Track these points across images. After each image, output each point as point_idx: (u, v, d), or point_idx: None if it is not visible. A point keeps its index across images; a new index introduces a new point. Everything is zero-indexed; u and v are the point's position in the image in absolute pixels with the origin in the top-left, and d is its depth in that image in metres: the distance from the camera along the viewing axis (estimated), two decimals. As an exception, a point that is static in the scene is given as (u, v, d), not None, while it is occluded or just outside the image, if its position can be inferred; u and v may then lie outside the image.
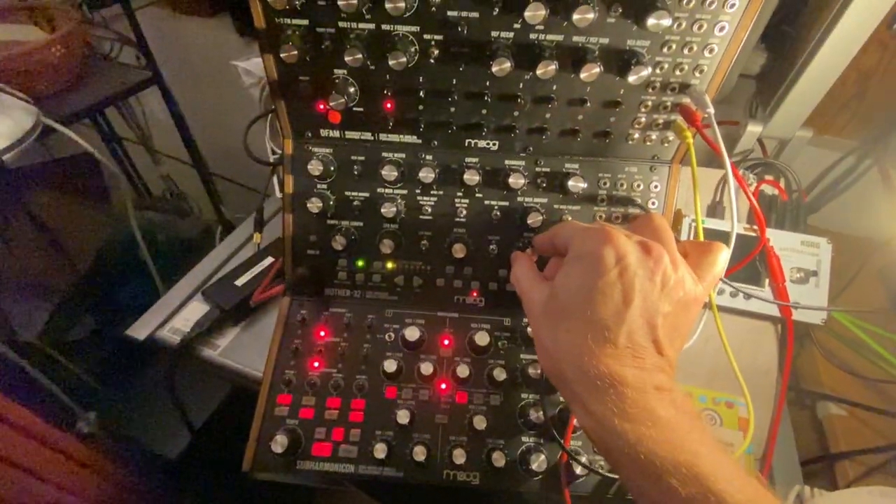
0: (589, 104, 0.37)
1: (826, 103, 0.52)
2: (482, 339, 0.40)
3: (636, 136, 0.39)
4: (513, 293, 0.43)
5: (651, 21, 0.31)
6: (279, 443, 0.36)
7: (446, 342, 0.42)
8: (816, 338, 0.55)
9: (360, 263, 0.43)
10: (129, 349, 0.53)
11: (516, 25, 0.33)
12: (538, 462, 0.36)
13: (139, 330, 0.53)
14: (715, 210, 0.48)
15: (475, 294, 0.43)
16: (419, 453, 0.36)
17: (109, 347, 0.79)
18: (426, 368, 0.39)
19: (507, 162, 0.40)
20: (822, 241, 0.45)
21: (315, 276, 0.42)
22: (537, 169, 0.40)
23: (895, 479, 0.47)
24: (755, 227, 0.46)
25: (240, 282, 0.53)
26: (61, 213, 0.86)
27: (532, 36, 0.34)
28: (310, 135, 0.41)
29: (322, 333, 0.42)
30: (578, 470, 0.36)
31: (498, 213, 0.41)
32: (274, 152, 0.62)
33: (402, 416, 0.37)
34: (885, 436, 0.51)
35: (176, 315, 0.54)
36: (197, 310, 0.54)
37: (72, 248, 0.87)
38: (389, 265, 0.43)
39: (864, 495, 0.39)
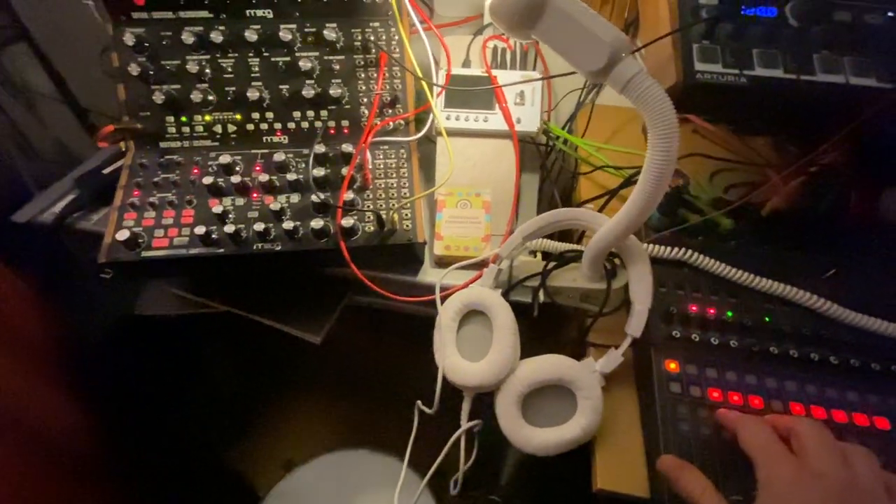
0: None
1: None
2: (279, 157, 0.54)
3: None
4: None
5: None
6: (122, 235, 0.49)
7: (258, 168, 0.55)
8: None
9: (183, 119, 0.55)
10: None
11: None
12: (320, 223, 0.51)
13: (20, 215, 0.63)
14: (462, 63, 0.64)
15: (279, 134, 0.57)
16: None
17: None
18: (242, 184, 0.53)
19: (281, 25, 0.54)
20: (534, 73, 0.63)
21: (149, 131, 0.55)
22: (305, 29, 0.55)
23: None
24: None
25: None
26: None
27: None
28: (124, 18, 0.53)
29: (159, 172, 0.54)
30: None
31: (283, 66, 0.55)
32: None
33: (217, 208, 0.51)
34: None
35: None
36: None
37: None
38: (207, 118, 0.56)
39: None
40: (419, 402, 0.52)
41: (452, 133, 0.62)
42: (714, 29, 0.46)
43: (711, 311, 0.48)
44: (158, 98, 0.53)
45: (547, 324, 0.59)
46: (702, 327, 0.47)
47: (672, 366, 0.45)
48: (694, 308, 0.48)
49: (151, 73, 0.54)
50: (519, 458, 0.93)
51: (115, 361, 0.74)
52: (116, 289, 0.69)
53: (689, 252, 0.50)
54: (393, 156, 0.57)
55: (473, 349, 0.48)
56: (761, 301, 0.49)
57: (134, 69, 0.52)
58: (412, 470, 0.53)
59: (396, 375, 0.56)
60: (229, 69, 0.54)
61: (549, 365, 0.46)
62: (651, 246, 0.51)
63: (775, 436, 0.36)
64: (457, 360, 0.47)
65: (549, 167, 0.72)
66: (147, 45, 0.53)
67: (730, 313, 0.48)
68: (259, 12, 0.54)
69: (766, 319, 0.47)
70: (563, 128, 0.78)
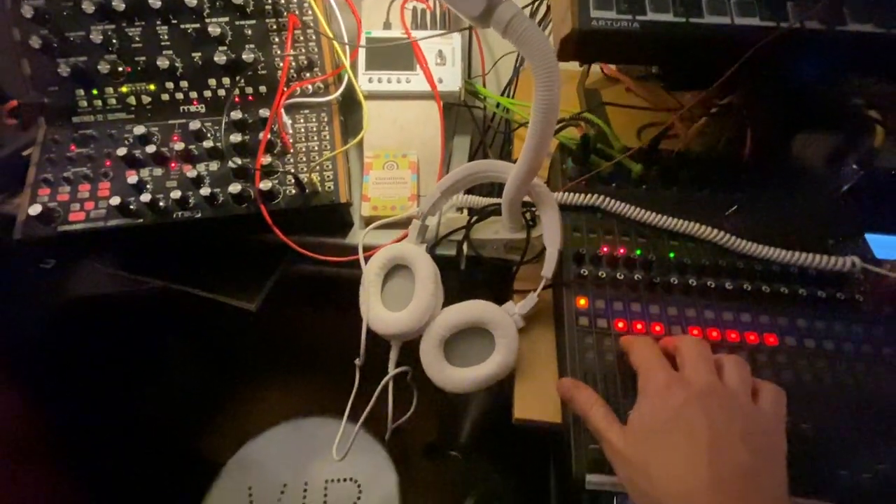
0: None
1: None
2: (195, 126, 0.54)
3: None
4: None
5: None
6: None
7: (175, 138, 0.55)
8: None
9: (94, 91, 0.55)
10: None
11: None
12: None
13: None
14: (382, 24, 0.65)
15: (196, 103, 0.57)
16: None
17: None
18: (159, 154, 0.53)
19: (186, -9, 0.54)
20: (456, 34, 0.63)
21: (59, 106, 0.54)
22: (213, -6, 0.54)
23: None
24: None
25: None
26: None
27: None
28: (22, -11, 0.51)
29: (73, 147, 0.54)
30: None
31: (193, 33, 0.55)
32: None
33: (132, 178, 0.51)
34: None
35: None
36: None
37: None
38: (122, 89, 0.55)
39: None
40: (357, 360, 0.53)
41: (376, 95, 0.62)
42: (610, -25, 0.47)
43: (622, 250, 0.50)
44: (64, 71, 0.52)
45: (480, 277, 0.61)
46: (610, 265, 0.50)
47: (581, 302, 0.47)
48: (605, 249, 0.50)
49: (55, 45, 0.52)
50: (478, 414, 0.97)
51: (57, 346, 0.74)
52: (52, 273, 0.68)
53: (601, 197, 0.53)
54: (314, 119, 0.57)
55: (398, 301, 0.50)
56: (667, 239, 0.52)
57: (35, 42, 0.51)
58: (364, 430, 0.55)
59: (344, 341, 0.57)
60: (137, 38, 0.54)
61: (469, 309, 0.48)
62: (567, 193, 0.54)
63: (659, 352, 0.39)
64: (380, 310, 0.49)
65: (482, 128, 0.73)
66: (47, 16, 0.52)
67: (638, 251, 0.50)
68: (162, -22, 0.53)
69: (671, 255, 0.50)
70: (503, 90, 0.79)
